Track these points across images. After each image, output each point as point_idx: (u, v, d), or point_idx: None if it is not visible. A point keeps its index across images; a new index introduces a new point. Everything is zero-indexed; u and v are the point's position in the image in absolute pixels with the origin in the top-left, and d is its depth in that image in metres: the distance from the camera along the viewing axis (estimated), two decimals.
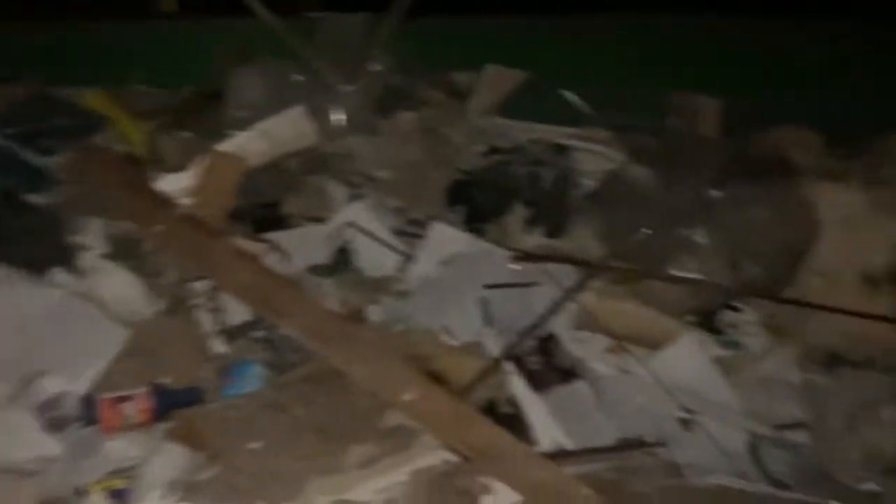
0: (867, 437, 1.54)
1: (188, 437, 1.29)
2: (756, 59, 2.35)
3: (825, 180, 1.71)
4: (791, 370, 1.67)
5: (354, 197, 1.80)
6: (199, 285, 1.55)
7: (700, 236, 1.63)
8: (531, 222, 1.77)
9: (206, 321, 1.53)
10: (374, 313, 1.57)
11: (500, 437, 1.25)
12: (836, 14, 2.45)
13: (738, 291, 1.66)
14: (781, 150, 1.87)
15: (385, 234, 1.70)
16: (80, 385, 1.36)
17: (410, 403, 1.26)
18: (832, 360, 1.69)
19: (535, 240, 1.76)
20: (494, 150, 1.92)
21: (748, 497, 1.34)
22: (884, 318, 1.65)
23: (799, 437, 1.54)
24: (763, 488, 1.37)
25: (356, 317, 1.54)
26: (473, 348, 1.49)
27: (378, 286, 1.62)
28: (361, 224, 1.66)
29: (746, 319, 1.69)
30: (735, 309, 1.69)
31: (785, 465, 1.45)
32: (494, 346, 1.50)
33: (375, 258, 1.66)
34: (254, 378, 1.44)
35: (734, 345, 1.66)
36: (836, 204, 1.65)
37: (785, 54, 2.33)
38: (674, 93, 2.10)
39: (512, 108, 2.12)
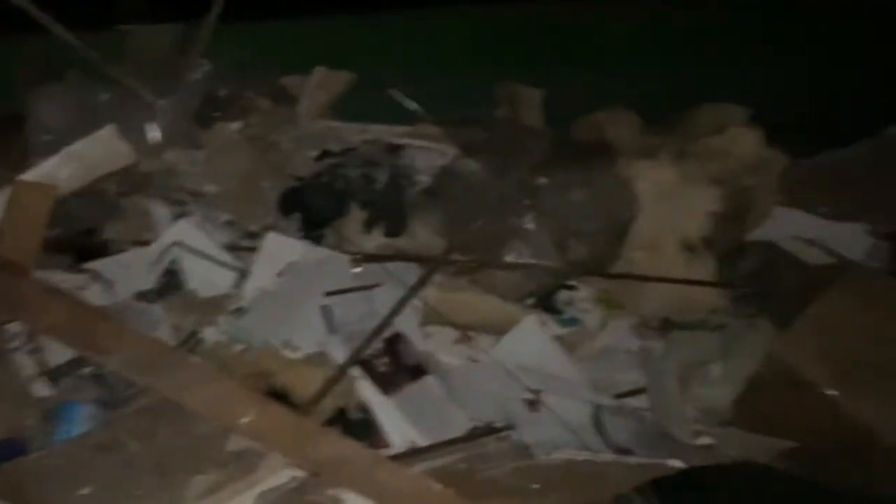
0: (700, 395, 1.65)
1: (10, 495, 1.19)
2: (574, 43, 2.43)
3: (641, 158, 1.80)
4: (628, 339, 1.77)
5: (180, 215, 1.73)
6: (14, 327, 1.44)
7: (530, 223, 1.69)
8: (369, 224, 1.76)
9: (25, 364, 1.43)
10: (211, 334, 1.52)
11: (346, 446, 1.24)
12: None
13: (571, 271, 1.73)
14: (601, 134, 1.97)
15: (216, 251, 1.64)
16: None
17: (250, 424, 1.22)
18: (665, 326, 1.80)
19: (374, 241, 1.76)
20: (326, 154, 1.90)
21: (592, 466, 1.40)
22: (704, 283, 1.77)
23: (639, 402, 1.64)
24: (606, 457, 1.44)
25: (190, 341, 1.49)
26: (317, 358, 1.47)
27: (213, 306, 1.56)
28: (189, 243, 1.60)
29: (582, 297, 1.76)
30: (571, 288, 1.76)
31: (626, 431, 1.53)
32: (340, 354, 1.49)
33: (207, 277, 1.60)
34: (84, 419, 1.36)
35: (573, 322, 1.73)
36: (651, 180, 1.75)
37: (597, 36, 2.42)
38: (498, 84, 2.15)
39: (343, 109, 2.10)
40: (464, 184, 1.77)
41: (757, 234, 1.91)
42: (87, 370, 1.41)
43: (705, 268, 1.79)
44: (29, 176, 1.58)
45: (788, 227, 1.93)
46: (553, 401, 1.54)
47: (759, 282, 1.85)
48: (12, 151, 1.69)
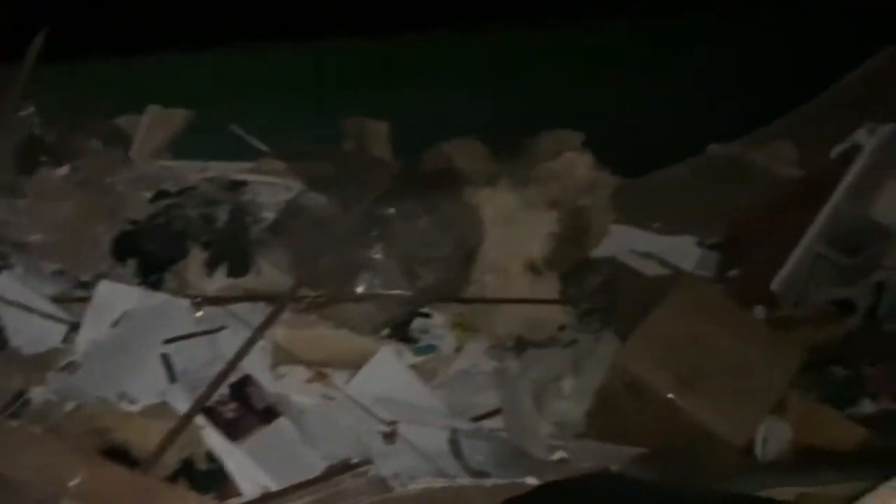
0: (554, 410, 1.70)
1: None
2: (418, 74, 2.45)
3: (485, 186, 1.86)
4: (484, 361, 1.80)
5: (9, 265, 1.60)
6: None
7: (379, 253, 1.69)
8: (211, 264, 1.70)
9: None
10: (40, 394, 1.41)
11: (190, 500, 1.18)
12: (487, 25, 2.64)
13: (422, 298, 1.74)
14: (448, 163, 2.01)
15: (42, 304, 1.53)
16: None
17: (80, 487, 1.14)
18: (519, 345, 1.84)
19: (217, 282, 1.70)
20: (163, 195, 1.82)
21: (450, 492, 1.40)
22: (551, 301, 1.83)
23: (496, 423, 1.66)
24: (464, 481, 1.45)
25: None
26: (158, 410, 1.40)
27: (40, 363, 1.45)
28: (9, 297, 1.48)
29: (436, 323, 1.78)
30: (424, 315, 1.77)
31: (483, 453, 1.55)
32: (183, 403, 1.42)
33: (33, 332, 1.49)
34: None
35: (428, 349, 1.74)
36: (495, 206, 1.81)
37: (440, 67, 2.46)
38: (344, 117, 2.16)
39: (181, 148, 2.03)
40: (310, 218, 1.75)
41: (597, 251, 2.01)
42: None
43: (551, 287, 1.86)
44: None
45: (625, 243, 2.04)
46: (410, 430, 1.54)
47: (603, 296, 1.94)
48: None
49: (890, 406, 1.58)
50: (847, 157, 2.08)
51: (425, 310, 1.77)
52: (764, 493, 1.37)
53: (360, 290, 1.69)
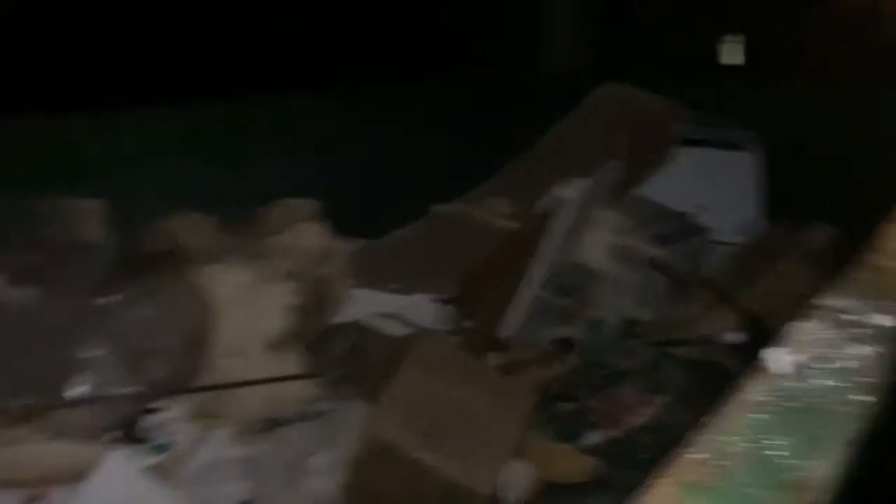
0: (308, 489, 1.64)
1: None
2: (126, 149, 2.28)
3: (214, 262, 1.77)
4: (229, 450, 1.69)
5: None
6: None
7: (96, 349, 1.53)
8: None
9: None
10: None
11: None
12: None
13: (152, 394, 1.61)
14: (173, 240, 1.89)
15: None
16: None
17: None
18: (268, 426, 1.76)
19: None
20: None
21: None
22: (295, 377, 1.78)
23: None
24: None
25: None
26: None
27: None
28: None
29: (171, 417, 1.65)
30: (156, 411, 1.63)
31: None
32: None
33: None
34: None
35: (163, 447, 1.60)
36: (226, 283, 1.73)
37: (148, 140, 2.31)
38: (50, 199, 1.94)
39: None
40: (9, 317, 1.53)
41: (340, 317, 2.00)
42: None
43: (295, 361, 1.81)
44: None
45: (367, 306, 2.06)
46: None
47: (350, 363, 1.94)
48: None
49: (612, 434, 1.74)
50: (553, 209, 2.31)
51: (156, 405, 1.63)
52: None
53: (75, 393, 1.51)
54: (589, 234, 2.36)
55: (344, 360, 1.93)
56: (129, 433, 1.58)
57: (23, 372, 1.48)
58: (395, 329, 2.07)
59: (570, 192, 2.31)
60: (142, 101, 2.34)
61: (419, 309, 2.11)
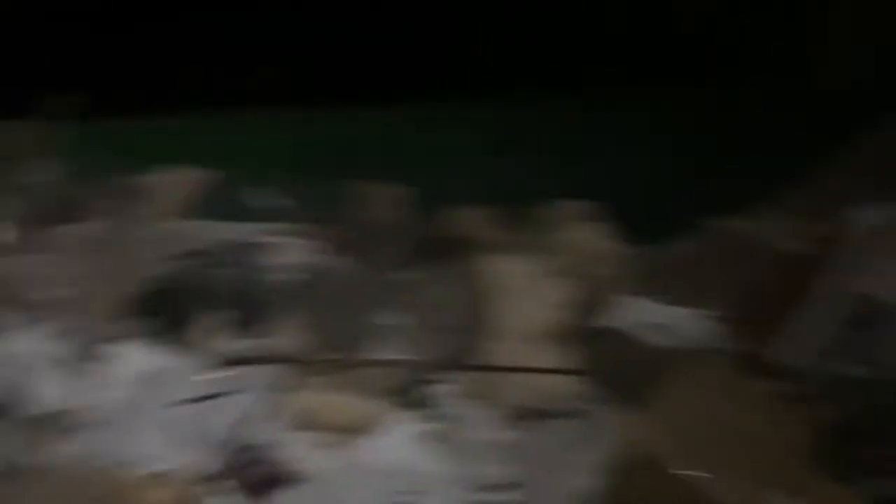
0: (569, 483, 1.69)
1: None
2: (432, 142, 2.49)
3: (496, 253, 1.89)
4: (496, 431, 1.79)
5: (25, 323, 1.61)
6: None
7: (394, 318, 1.71)
8: (231, 326, 1.71)
9: None
10: (49, 455, 1.39)
11: None
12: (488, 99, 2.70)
13: (435, 366, 1.75)
14: (458, 230, 2.04)
15: (64, 361, 1.53)
16: None
17: None
18: (531, 415, 1.84)
19: (236, 344, 1.70)
20: (183, 255, 1.84)
21: None
22: (561, 371, 1.84)
23: (510, 494, 1.65)
24: None
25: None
26: (167, 476, 1.38)
27: (55, 423, 1.44)
28: (31, 353, 1.49)
29: (448, 391, 1.78)
30: (436, 382, 1.77)
31: None
32: (194, 468, 1.41)
33: (51, 390, 1.49)
34: None
35: (440, 417, 1.74)
36: (506, 273, 1.83)
37: (451, 136, 2.50)
38: (359, 182, 2.19)
39: (202, 209, 2.06)
40: (328, 282, 1.77)
41: (605, 321, 2.02)
42: None
43: (562, 356, 1.87)
44: None
45: (636, 314, 2.06)
46: (425, 500, 1.53)
47: (613, 367, 1.95)
48: None
49: None
50: (848, 231, 2.12)
51: (437, 377, 1.78)
52: None
53: (375, 355, 1.70)
54: (888, 264, 2.13)
55: (608, 364, 1.95)
56: (412, 399, 1.74)
57: (335, 329, 1.70)
58: (662, 340, 2.04)
59: (866, 215, 2.11)
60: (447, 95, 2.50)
61: (690, 323, 2.06)
